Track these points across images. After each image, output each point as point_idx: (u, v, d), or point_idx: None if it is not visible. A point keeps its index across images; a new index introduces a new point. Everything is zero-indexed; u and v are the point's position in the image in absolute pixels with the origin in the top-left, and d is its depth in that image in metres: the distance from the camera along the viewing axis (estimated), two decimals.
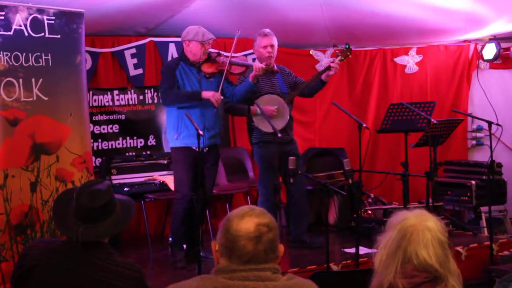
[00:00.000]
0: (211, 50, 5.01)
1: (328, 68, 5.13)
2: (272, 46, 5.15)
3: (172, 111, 4.89)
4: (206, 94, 4.76)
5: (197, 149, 4.70)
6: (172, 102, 4.83)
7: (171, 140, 4.91)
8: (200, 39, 4.78)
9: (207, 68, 4.88)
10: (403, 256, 2.03)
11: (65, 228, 2.46)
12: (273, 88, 5.20)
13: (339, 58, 5.20)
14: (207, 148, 4.82)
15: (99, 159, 5.88)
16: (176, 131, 4.84)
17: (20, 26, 4.46)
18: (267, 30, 5.18)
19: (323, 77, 5.17)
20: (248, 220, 1.91)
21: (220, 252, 1.93)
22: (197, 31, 4.81)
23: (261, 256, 1.89)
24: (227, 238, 1.91)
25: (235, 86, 5.07)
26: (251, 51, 6.59)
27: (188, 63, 4.86)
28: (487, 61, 7.07)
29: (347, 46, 5.26)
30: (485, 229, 5.98)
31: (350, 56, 5.35)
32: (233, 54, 4.92)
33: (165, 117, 6.20)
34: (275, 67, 5.26)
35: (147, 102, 6.18)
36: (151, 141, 6.21)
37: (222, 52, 5.15)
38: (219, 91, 4.83)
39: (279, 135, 4.58)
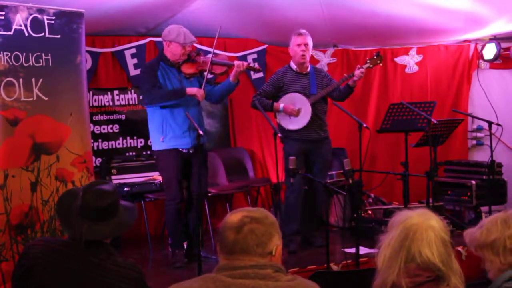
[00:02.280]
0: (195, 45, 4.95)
1: (352, 75, 5.17)
2: (306, 44, 5.19)
3: (155, 112, 4.79)
4: (191, 90, 4.71)
5: (183, 151, 4.70)
6: (155, 100, 4.69)
7: (156, 142, 4.80)
8: (181, 41, 4.71)
9: (187, 69, 4.81)
10: (406, 255, 2.04)
11: (69, 225, 2.47)
12: (301, 88, 5.22)
13: (367, 65, 5.24)
14: (192, 150, 4.77)
15: (99, 159, 5.89)
16: (161, 133, 4.75)
17: (20, 26, 4.45)
18: (303, 30, 5.24)
19: (350, 83, 5.20)
20: (237, 214, 1.97)
21: (218, 251, 1.98)
22: (178, 32, 4.73)
23: (241, 245, 1.91)
24: (219, 234, 1.97)
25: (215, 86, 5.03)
26: (251, 51, 6.63)
27: (168, 63, 4.79)
28: (487, 61, 7.07)
29: (377, 54, 5.30)
30: None
31: (380, 64, 5.39)
32: (214, 51, 4.85)
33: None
34: (308, 67, 5.30)
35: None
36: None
37: (202, 51, 5.10)
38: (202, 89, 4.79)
39: (279, 134, 4.58)
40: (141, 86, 4.87)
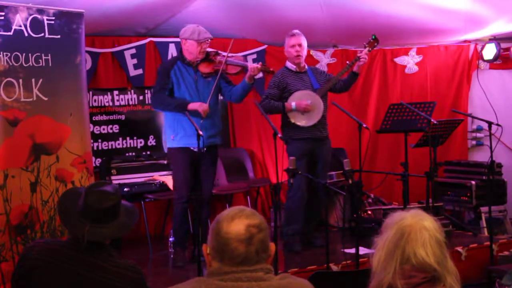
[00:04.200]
0: (209, 49, 4.98)
1: (357, 59, 5.18)
2: (300, 45, 5.23)
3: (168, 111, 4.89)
4: (193, 105, 4.73)
5: (195, 150, 4.71)
6: (159, 106, 4.89)
7: (169, 140, 4.89)
8: (196, 37, 4.76)
9: (204, 68, 4.85)
10: (401, 256, 2.04)
11: (70, 225, 2.46)
12: (304, 86, 5.25)
13: (367, 49, 5.27)
14: (205, 149, 4.80)
15: (99, 159, 5.88)
16: (172, 131, 4.82)
17: (20, 26, 4.46)
18: (296, 31, 5.28)
19: (354, 68, 5.22)
20: (238, 222, 1.89)
21: (211, 255, 1.93)
22: (193, 30, 4.79)
23: (253, 257, 1.89)
24: (218, 241, 1.90)
25: (234, 86, 5.06)
26: (251, 51, 6.63)
27: (185, 62, 4.83)
28: (487, 61, 7.07)
29: (373, 37, 5.30)
30: (485, 229, 5.98)
31: (376, 45, 5.39)
32: (229, 54, 4.90)
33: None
34: (305, 66, 5.34)
35: (147, 102, 6.18)
36: (151, 141, 6.22)
37: (220, 52, 5.14)
38: (210, 96, 4.79)
39: (279, 135, 4.57)
40: (153, 86, 4.97)
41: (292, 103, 5.16)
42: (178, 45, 6.19)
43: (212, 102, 4.84)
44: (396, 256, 2.04)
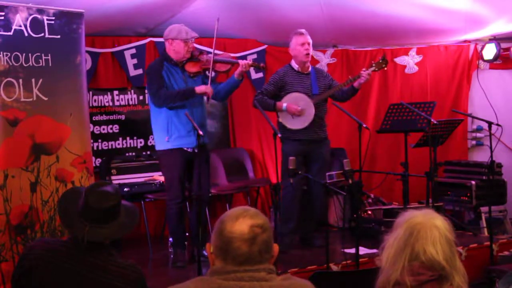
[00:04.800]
0: (195, 45, 4.93)
1: (359, 76, 5.17)
2: (308, 43, 5.23)
3: (160, 113, 4.77)
4: (200, 89, 4.71)
5: (188, 150, 4.70)
6: (165, 102, 4.69)
7: (161, 142, 4.80)
8: (183, 37, 4.72)
9: (191, 68, 4.80)
10: (410, 253, 2.05)
11: (70, 225, 2.46)
12: (303, 88, 5.24)
13: (373, 68, 5.24)
14: (197, 149, 4.77)
15: (99, 159, 5.89)
16: (166, 133, 4.75)
17: (20, 26, 4.45)
18: (302, 30, 5.28)
19: (355, 84, 5.21)
20: (242, 221, 1.90)
21: (215, 254, 1.93)
22: (180, 29, 4.75)
23: (256, 257, 1.89)
24: (222, 240, 1.90)
25: (219, 84, 5.03)
26: (251, 51, 6.62)
27: (171, 63, 4.79)
28: (487, 61, 7.07)
29: (383, 58, 5.30)
30: (485, 229, 5.98)
31: (385, 68, 5.37)
32: (216, 52, 4.83)
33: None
34: (309, 67, 5.34)
35: (147, 102, 6.17)
36: (151, 141, 6.21)
37: (203, 50, 5.09)
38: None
39: (279, 135, 4.57)
40: (148, 88, 4.89)
41: (284, 104, 5.15)
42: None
43: (202, 101, 4.83)
44: (405, 253, 2.05)
